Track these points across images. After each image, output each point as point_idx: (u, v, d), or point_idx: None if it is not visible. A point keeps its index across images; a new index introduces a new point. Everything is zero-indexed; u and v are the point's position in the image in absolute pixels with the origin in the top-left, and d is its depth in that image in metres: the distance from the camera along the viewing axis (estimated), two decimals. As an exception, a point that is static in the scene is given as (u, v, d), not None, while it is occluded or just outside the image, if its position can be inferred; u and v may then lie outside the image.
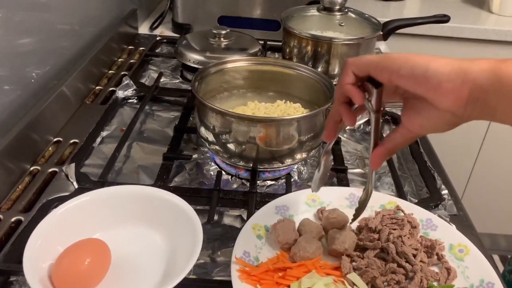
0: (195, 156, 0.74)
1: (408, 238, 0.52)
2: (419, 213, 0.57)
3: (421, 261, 0.50)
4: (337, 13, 0.95)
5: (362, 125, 0.85)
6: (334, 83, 0.69)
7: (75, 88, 0.84)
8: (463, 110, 0.38)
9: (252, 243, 0.52)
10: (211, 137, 0.66)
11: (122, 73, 0.98)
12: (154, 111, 0.87)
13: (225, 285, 0.49)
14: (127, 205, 0.53)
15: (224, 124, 0.64)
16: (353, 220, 0.53)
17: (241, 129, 0.63)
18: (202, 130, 0.67)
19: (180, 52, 0.96)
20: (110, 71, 0.99)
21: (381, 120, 0.47)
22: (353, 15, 0.98)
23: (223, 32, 0.97)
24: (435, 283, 0.49)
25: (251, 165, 0.66)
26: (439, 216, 0.59)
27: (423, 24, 0.98)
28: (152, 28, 1.24)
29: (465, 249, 0.52)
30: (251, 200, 0.62)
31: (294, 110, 0.72)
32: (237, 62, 0.75)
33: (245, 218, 0.59)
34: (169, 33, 1.23)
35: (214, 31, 0.97)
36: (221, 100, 0.76)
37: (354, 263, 0.50)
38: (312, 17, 0.97)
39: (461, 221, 0.62)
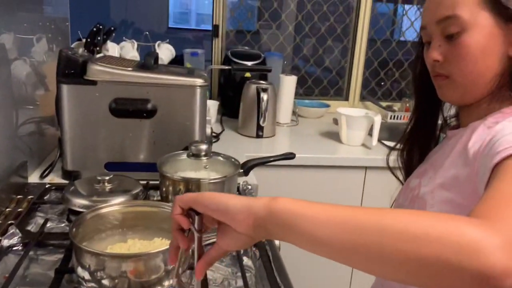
0: (74, 294, 0.82)
1: None
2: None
3: None
4: (204, 158, 1.14)
5: (230, 252, 0.99)
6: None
7: (-41, 241, 0.90)
8: (253, 232, 0.54)
9: None
10: (87, 276, 0.76)
11: (9, 222, 1.05)
12: (38, 256, 0.94)
13: None
14: None
15: (97, 262, 0.74)
16: None
17: (113, 265, 0.74)
18: (79, 270, 0.77)
19: (66, 198, 1.07)
20: (-4, 222, 1.06)
21: (203, 239, 0.60)
22: (218, 158, 1.18)
23: (107, 178, 1.10)
24: None
25: (124, 296, 0.76)
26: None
27: (275, 161, 1.21)
28: (42, 176, 1.33)
29: None
30: (122, 329, 0.71)
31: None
32: (110, 207, 0.88)
33: None
34: (59, 179, 1.33)
35: (99, 178, 1.11)
36: (100, 241, 0.87)
37: None
38: (184, 161, 1.15)
39: (300, 324, 0.76)
